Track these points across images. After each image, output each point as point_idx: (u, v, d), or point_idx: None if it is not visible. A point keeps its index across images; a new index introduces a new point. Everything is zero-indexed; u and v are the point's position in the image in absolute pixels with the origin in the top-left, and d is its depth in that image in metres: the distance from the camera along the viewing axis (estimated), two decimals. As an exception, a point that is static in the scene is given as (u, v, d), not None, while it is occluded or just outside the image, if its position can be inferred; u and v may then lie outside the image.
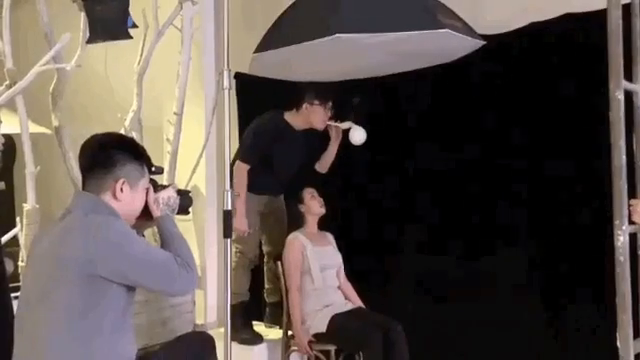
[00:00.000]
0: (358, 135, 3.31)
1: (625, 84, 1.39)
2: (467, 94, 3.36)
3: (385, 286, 3.66)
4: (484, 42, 2.81)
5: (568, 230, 3.06)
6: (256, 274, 3.61)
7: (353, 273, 3.47)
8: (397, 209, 3.66)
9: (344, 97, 3.41)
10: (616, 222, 1.35)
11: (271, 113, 3.48)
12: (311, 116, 3.37)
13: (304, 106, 3.37)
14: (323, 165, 3.54)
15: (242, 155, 3.36)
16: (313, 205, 3.39)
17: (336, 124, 3.38)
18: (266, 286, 3.67)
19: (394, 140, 3.64)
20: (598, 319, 2.83)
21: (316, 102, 3.35)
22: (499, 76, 3.24)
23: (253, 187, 3.37)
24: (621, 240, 1.35)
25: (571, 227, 3.05)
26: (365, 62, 3.01)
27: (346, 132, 3.38)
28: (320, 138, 3.48)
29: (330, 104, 3.38)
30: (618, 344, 1.34)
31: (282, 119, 3.43)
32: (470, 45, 2.79)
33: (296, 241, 3.32)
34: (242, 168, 3.32)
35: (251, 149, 3.34)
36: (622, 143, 1.36)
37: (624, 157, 1.37)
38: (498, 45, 3.05)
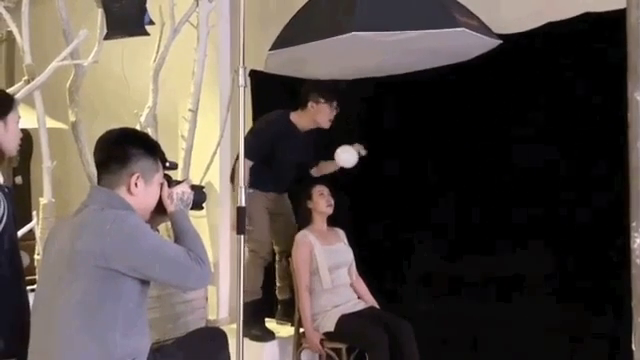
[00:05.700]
0: (345, 159, 3.36)
1: (644, 85, 1.37)
2: (483, 93, 3.34)
3: (396, 286, 3.65)
4: (500, 41, 2.80)
5: (585, 231, 3.03)
6: (268, 271, 3.61)
7: (364, 273, 3.45)
8: (410, 209, 3.64)
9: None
10: (633, 224, 1.33)
11: (277, 113, 3.47)
12: (317, 115, 3.37)
13: (309, 105, 3.37)
14: (318, 172, 3.58)
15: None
16: (320, 203, 3.35)
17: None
18: (277, 284, 3.66)
19: (407, 140, 3.63)
20: (616, 323, 2.80)
21: (322, 100, 3.35)
22: (516, 75, 3.22)
23: (259, 185, 3.36)
24: (638, 242, 1.33)
25: (589, 228, 3.02)
26: (381, 60, 3.00)
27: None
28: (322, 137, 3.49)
29: (335, 102, 3.37)
30: (633, 347, 1.33)
31: (287, 119, 3.43)
32: (486, 44, 2.78)
33: (305, 240, 3.28)
34: None
35: (250, 148, 3.34)
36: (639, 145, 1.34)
37: (641, 159, 1.35)
38: (515, 44, 3.02)
